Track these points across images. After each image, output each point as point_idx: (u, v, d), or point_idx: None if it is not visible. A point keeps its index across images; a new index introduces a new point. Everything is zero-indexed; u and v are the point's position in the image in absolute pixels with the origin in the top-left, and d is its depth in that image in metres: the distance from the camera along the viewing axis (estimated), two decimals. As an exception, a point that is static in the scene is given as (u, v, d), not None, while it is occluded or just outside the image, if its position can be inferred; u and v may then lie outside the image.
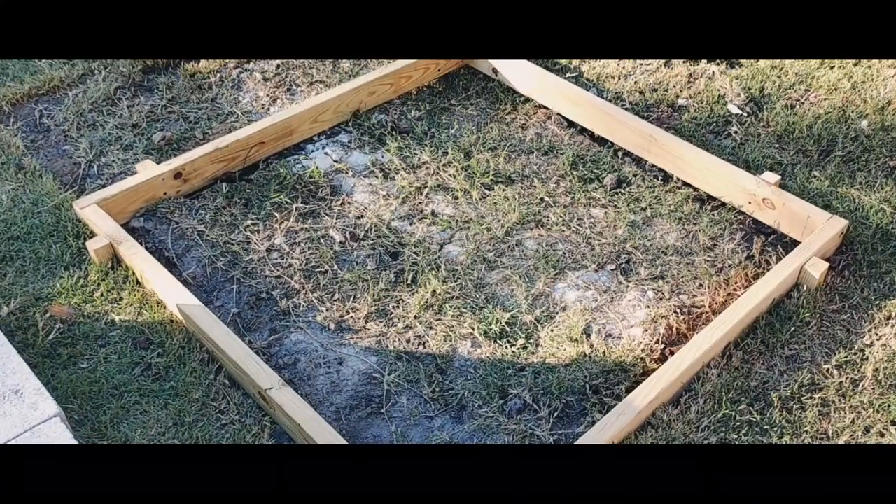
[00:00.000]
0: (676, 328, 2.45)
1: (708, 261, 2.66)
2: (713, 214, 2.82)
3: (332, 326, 2.48)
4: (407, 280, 2.61)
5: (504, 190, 2.93)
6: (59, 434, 1.46)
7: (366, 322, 2.49)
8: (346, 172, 3.01)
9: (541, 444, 2.18)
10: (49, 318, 2.40)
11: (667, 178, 2.98)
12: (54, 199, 2.74)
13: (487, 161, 3.04)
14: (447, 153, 3.07)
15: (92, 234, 2.62)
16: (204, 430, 2.19)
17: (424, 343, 2.44)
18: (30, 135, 3.09)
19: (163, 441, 2.16)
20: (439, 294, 2.55)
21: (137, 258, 2.51)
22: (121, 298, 2.50)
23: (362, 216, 2.84)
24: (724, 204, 2.86)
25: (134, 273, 2.54)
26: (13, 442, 1.44)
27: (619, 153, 3.09)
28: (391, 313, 2.52)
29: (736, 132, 3.13)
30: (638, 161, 3.06)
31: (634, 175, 2.99)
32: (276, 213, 2.81)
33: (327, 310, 2.52)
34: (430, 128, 3.20)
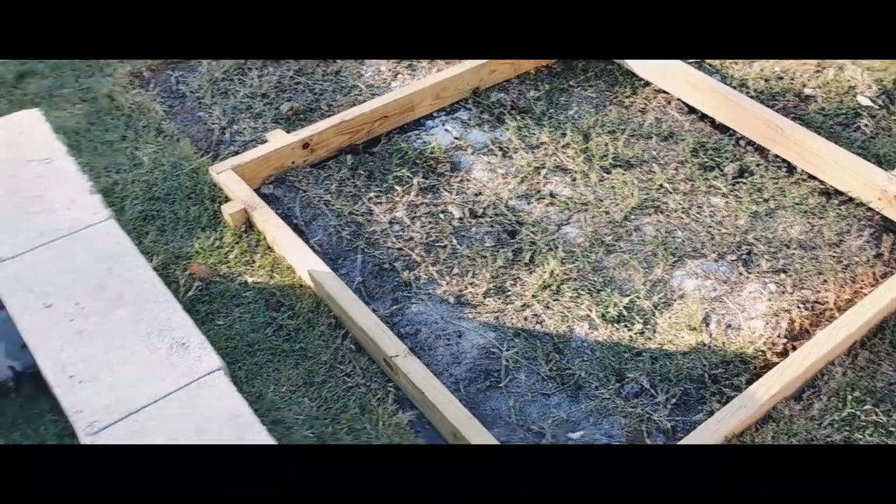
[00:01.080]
0: (799, 323, 2.42)
1: (833, 257, 2.61)
2: (840, 209, 2.76)
3: (452, 300, 2.55)
4: (524, 259, 2.65)
5: (623, 174, 2.93)
6: (223, 387, 1.57)
7: (484, 298, 2.55)
8: (466, 150, 3.06)
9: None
10: (189, 276, 2.54)
11: (791, 169, 2.92)
12: (192, 164, 2.88)
13: (606, 144, 3.04)
14: (565, 134, 3.08)
15: (227, 199, 2.75)
16: (332, 391, 2.29)
17: (541, 322, 2.48)
18: (167, 100, 3.24)
19: (294, 399, 2.27)
20: (557, 275, 2.59)
21: (270, 224, 2.62)
22: (253, 261, 2.62)
23: (480, 193, 2.89)
24: (851, 199, 2.79)
25: (265, 238, 2.66)
26: (182, 391, 1.55)
27: (742, 142, 3.05)
28: (509, 291, 2.57)
29: (866, 125, 3.04)
30: (761, 151, 3.01)
31: (757, 165, 2.94)
32: (397, 187, 2.89)
33: (447, 283, 2.59)
34: (549, 108, 3.22)
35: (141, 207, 2.76)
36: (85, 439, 1.49)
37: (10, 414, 2.25)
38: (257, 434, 1.50)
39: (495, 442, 2.11)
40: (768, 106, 3.10)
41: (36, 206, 1.91)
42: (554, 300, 2.53)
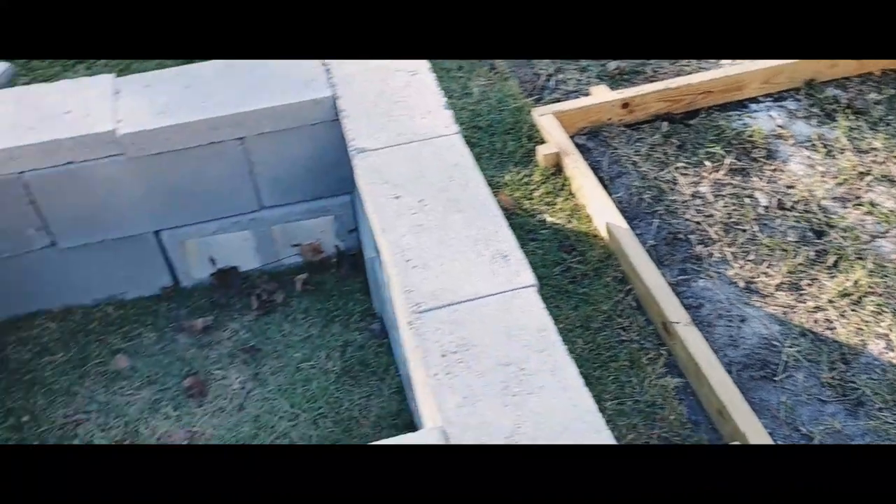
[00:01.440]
0: None
1: None
2: None
3: (741, 284, 2.52)
4: (828, 262, 2.55)
5: (960, 198, 2.69)
6: (534, 302, 1.71)
7: (776, 290, 2.49)
8: (787, 140, 2.96)
9: None
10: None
11: None
12: (516, 102, 3.07)
13: (948, 163, 2.80)
14: (901, 144, 2.88)
15: (542, 141, 2.91)
16: (606, 339, 2.39)
17: (833, 329, 2.39)
18: (503, 40, 3.46)
19: (568, 337, 2.40)
20: (861, 286, 2.46)
21: (578, 172, 2.74)
22: (555, 203, 2.76)
23: (793, 186, 2.79)
24: None
25: (571, 183, 2.79)
26: (499, 296, 1.72)
27: None
28: (803, 290, 2.49)
29: None
30: None
31: None
32: (706, 162, 2.88)
33: (739, 267, 2.56)
34: (889, 114, 3.01)
35: (464, 133, 3.00)
36: (410, 316, 1.72)
37: (328, 285, 2.60)
38: (558, 351, 1.63)
39: (761, 429, 2.09)
40: None
41: (398, 110, 2.16)
42: (851, 310, 2.42)
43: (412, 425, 2.26)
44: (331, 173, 2.41)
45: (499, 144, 2.95)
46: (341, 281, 2.61)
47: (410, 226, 1.89)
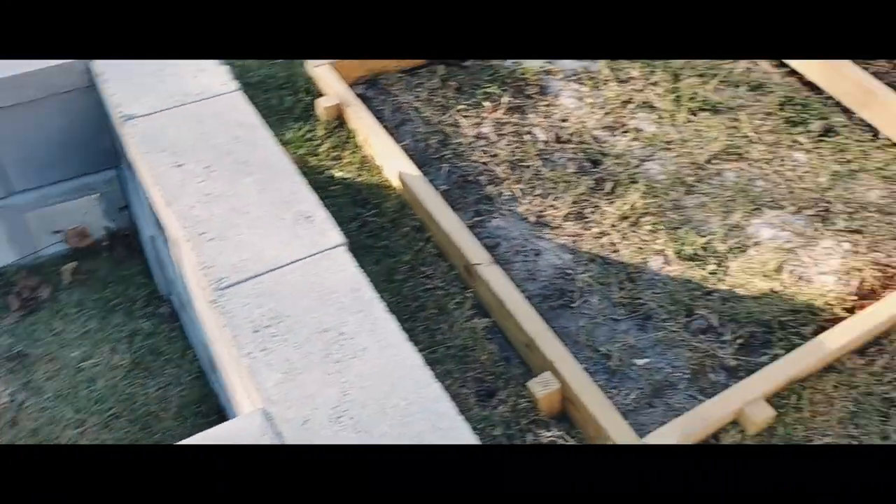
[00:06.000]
0: (870, 284, 2.47)
1: (911, 224, 2.64)
2: (922, 180, 2.78)
3: (532, 219, 2.60)
4: (606, 189, 2.69)
5: (709, 118, 2.94)
6: (346, 261, 1.63)
7: (563, 221, 2.60)
8: (556, 75, 3.07)
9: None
10: (280, 162, 2.60)
11: (876, 134, 2.93)
12: (287, 54, 2.91)
13: (695, 87, 3.04)
14: (655, 72, 3.09)
15: (321, 93, 2.79)
16: (411, 290, 2.37)
17: (617, 251, 2.54)
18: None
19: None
20: (637, 208, 2.63)
21: (362, 122, 2.67)
22: (342, 157, 2.67)
23: (566, 120, 2.91)
24: (934, 171, 2.81)
25: (356, 135, 2.71)
26: (308, 260, 1.62)
27: (829, 102, 3.04)
28: (588, 218, 2.62)
29: (957, 101, 3.03)
30: (847, 112, 3.01)
31: (843, 126, 2.95)
32: (485, 103, 2.92)
33: (529, 203, 2.64)
34: (640, 45, 3.21)
35: (235, 91, 2.80)
36: (212, 294, 1.57)
37: (102, 272, 2.34)
38: (376, 309, 1.57)
39: (567, 356, 2.18)
40: (862, 68, 3.08)
41: (167, 69, 1.95)
42: (631, 232, 2.58)
43: (220, 410, 2.12)
44: (90, 146, 2.15)
45: (274, 101, 2.79)
46: (117, 265, 2.36)
47: (199, 195, 1.72)
